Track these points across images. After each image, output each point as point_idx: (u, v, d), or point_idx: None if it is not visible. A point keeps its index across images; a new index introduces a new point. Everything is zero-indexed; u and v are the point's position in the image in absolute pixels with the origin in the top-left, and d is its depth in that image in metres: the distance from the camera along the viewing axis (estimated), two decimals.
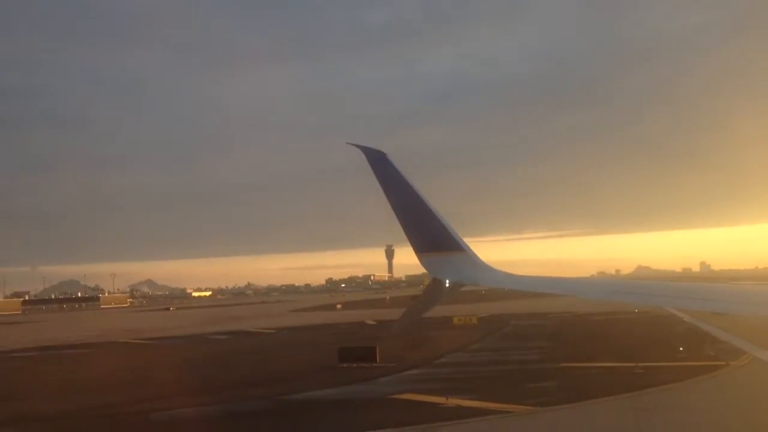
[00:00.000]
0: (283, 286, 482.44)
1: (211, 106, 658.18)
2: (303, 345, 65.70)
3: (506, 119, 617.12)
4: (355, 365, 46.71)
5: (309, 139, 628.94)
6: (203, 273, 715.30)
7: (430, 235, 16.88)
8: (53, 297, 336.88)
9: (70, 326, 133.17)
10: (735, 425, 25.36)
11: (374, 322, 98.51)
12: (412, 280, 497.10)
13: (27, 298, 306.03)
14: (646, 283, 22.98)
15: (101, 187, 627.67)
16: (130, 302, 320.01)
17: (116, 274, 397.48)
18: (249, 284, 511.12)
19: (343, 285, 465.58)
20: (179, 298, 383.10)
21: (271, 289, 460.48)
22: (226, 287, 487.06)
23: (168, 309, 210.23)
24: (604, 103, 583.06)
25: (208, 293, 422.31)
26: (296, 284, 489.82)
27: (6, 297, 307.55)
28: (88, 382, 46.93)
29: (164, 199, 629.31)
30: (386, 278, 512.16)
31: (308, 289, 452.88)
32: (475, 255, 17.00)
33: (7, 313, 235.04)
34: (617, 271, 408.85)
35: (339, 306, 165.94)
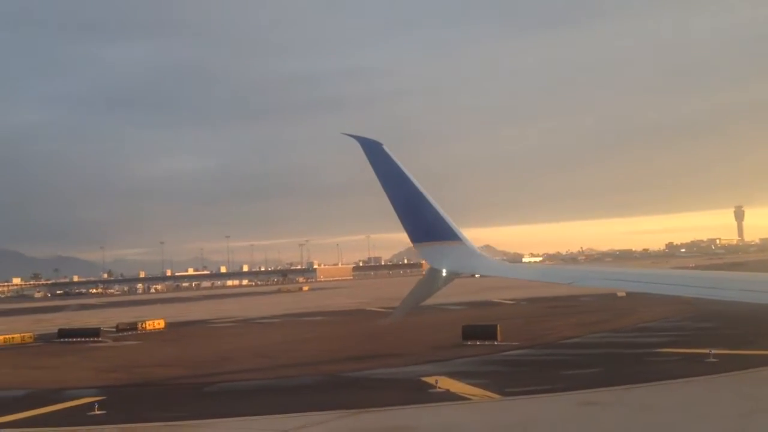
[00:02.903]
0: (618, 251, 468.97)
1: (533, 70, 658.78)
2: (490, 320, 66.24)
3: None
4: (478, 343, 48.21)
5: (649, 93, 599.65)
6: (543, 238, 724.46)
7: (427, 225, 17.56)
8: (381, 264, 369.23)
9: (359, 293, 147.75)
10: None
11: (623, 295, 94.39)
12: (766, 244, 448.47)
13: (361, 264, 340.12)
14: (647, 272, 22.69)
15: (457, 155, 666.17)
16: None
17: None
18: (582, 250, 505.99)
19: (683, 250, 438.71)
20: (511, 263, 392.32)
21: (605, 255, 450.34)
22: (559, 252, 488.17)
23: None
24: None
25: (538, 259, 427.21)
26: (633, 249, 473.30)
27: (355, 262, 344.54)
28: (217, 351, 52.82)
29: (507, 166, 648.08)
30: (734, 242, 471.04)
31: (644, 255, 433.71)
32: (471, 244, 17.57)
33: (339, 278, 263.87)
34: None
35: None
